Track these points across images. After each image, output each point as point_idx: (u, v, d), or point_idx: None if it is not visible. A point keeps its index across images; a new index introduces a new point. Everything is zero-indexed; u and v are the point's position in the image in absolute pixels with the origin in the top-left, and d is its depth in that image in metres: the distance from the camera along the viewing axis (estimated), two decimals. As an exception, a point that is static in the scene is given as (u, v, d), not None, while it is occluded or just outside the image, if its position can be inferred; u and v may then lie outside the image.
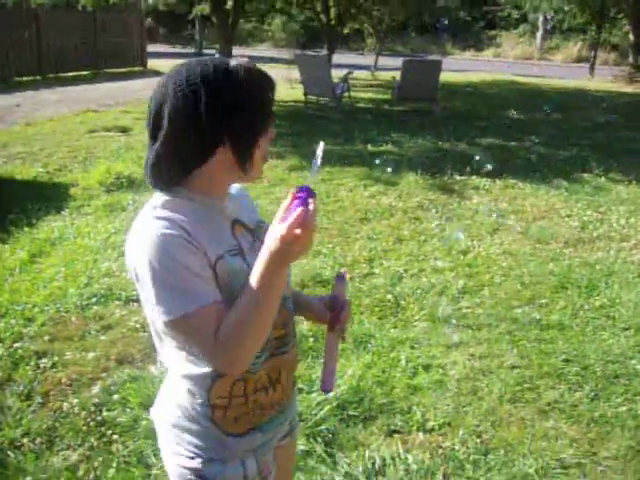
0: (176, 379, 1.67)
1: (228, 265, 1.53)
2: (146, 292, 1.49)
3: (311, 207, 1.37)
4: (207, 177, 1.56)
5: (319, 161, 1.46)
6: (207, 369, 1.58)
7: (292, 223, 1.35)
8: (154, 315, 1.51)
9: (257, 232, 1.69)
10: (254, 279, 1.44)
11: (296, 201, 1.38)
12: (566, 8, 25.69)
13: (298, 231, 1.35)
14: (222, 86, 1.49)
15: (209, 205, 1.58)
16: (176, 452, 1.69)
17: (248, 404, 1.65)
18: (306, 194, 1.38)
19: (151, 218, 1.52)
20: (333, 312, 1.78)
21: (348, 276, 1.78)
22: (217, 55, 14.26)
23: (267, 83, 1.57)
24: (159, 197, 1.57)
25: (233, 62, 1.54)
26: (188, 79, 1.48)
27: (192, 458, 1.66)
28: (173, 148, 1.50)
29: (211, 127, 1.48)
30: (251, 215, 1.75)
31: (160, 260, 1.45)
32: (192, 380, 1.62)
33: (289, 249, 1.38)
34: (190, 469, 1.66)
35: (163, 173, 1.54)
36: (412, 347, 4.20)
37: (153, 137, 1.53)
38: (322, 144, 1.49)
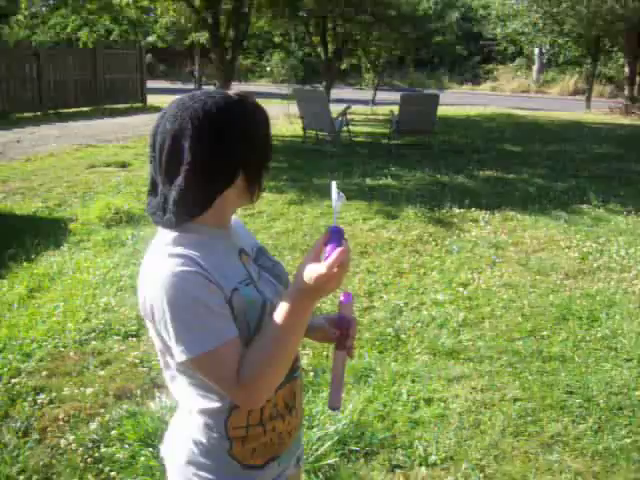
0: (190, 415, 1.64)
1: (244, 297, 1.53)
2: (163, 332, 1.48)
3: (344, 243, 1.42)
4: (221, 207, 1.56)
5: (339, 203, 1.49)
6: (222, 402, 1.57)
7: (332, 262, 1.38)
8: (171, 354, 1.50)
9: (259, 259, 1.70)
10: (281, 316, 1.45)
11: (331, 244, 1.42)
12: (561, 41, 25.96)
13: (335, 270, 1.38)
14: (236, 116, 1.52)
15: (218, 236, 1.59)
16: None
17: (266, 433, 1.64)
18: (339, 234, 1.43)
19: (165, 256, 1.50)
20: (341, 330, 1.76)
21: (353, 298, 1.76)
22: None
23: (264, 112, 1.61)
24: (168, 233, 1.55)
25: (234, 93, 1.57)
26: (204, 110, 1.49)
27: None
28: (198, 181, 1.49)
29: (231, 156, 1.50)
30: (250, 241, 1.76)
31: (178, 298, 1.44)
32: (208, 414, 1.60)
33: (324, 287, 1.40)
34: None
35: (187, 207, 1.51)
36: (413, 381, 4.17)
37: (170, 173, 1.50)
38: (334, 184, 1.51)
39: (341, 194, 1.50)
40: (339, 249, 1.39)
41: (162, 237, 1.56)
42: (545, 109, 22.54)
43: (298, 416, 1.76)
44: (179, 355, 1.46)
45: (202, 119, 1.48)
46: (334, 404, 1.81)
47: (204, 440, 1.62)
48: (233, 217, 1.72)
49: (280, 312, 1.45)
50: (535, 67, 34.67)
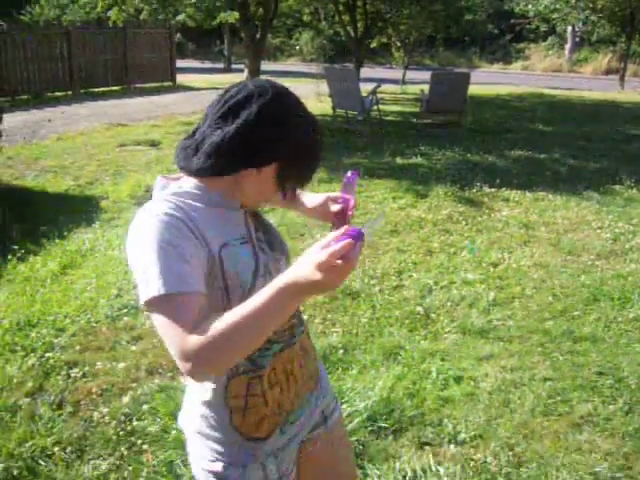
0: (194, 388, 1.69)
1: (236, 253, 1.53)
2: (134, 273, 1.45)
3: (358, 247, 1.30)
4: (240, 184, 1.57)
5: (377, 225, 1.43)
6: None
7: (335, 252, 1.26)
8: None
9: (267, 233, 1.71)
10: (263, 298, 1.34)
11: (346, 236, 1.30)
12: (594, 19, 25.48)
13: (339, 262, 1.27)
14: (296, 118, 1.54)
15: (225, 204, 1.59)
16: (200, 456, 1.71)
17: (267, 404, 1.64)
18: (358, 234, 1.31)
19: (162, 199, 1.52)
20: (341, 209, 1.73)
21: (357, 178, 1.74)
22: (246, 71, 14.38)
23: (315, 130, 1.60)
24: (185, 181, 1.58)
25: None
26: (283, 94, 1.54)
27: (214, 461, 1.68)
28: (237, 142, 1.49)
29: (271, 142, 1.50)
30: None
31: (152, 239, 1.43)
32: (207, 387, 1.63)
33: (320, 279, 1.28)
34: (212, 472, 1.68)
35: (216, 157, 1.51)
36: (443, 359, 4.17)
37: (224, 118, 1.51)
38: (381, 216, 1.53)
39: (379, 219, 1.48)
40: (346, 240, 1.28)
41: (180, 182, 1.59)
42: (577, 88, 22.22)
43: (303, 379, 1.76)
44: (142, 296, 1.40)
45: (275, 98, 1.51)
46: None
47: (207, 413, 1.66)
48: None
49: (265, 291, 1.35)
50: (567, 46, 34.10)
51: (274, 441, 1.70)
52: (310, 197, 1.92)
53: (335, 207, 1.78)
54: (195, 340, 1.33)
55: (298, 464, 1.87)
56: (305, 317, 1.89)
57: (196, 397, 1.69)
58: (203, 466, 1.70)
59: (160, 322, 1.38)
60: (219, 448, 1.67)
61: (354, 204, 1.76)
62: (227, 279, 1.51)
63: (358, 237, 1.30)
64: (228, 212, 1.59)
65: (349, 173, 1.70)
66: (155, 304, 1.39)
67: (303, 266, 1.30)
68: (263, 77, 1.60)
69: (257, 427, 1.66)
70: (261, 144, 1.49)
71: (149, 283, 1.38)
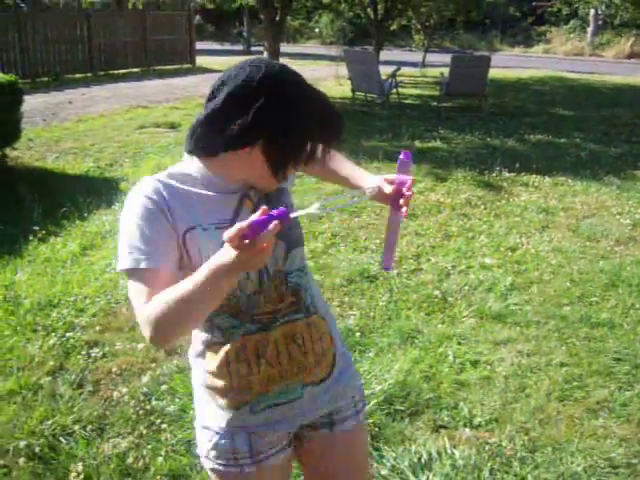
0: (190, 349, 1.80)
1: (201, 237, 1.54)
2: None
3: (271, 227, 1.28)
4: (229, 164, 1.56)
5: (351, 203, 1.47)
6: (206, 334, 1.69)
7: (238, 231, 1.27)
8: None
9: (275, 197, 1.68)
10: (199, 277, 1.39)
11: (267, 216, 1.30)
12: (617, 1, 25.14)
13: (246, 241, 1.28)
14: (283, 100, 1.48)
15: (216, 182, 1.60)
16: (198, 410, 1.82)
17: (231, 377, 1.68)
18: (279, 215, 1.30)
19: (153, 178, 1.60)
20: (397, 190, 1.69)
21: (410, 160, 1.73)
22: (265, 53, 14.34)
23: (330, 117, 1.56)
24: (189, 162, 1.63)
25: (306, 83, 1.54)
26: (259, 74, 1.49)
27: (198, 419, 1.80)
28: (212, 123, 1.51)
29: (252, 125, 1.46)
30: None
31: (125, 215, 1.55)
32: (195, 348, 1.75)
33: (234, 259, 1.31)
34: (198, 426, 1.81)
35: (196, 139, 1.56)
36: (459, 343, 4.18)
37: (207, 101, 1.55)
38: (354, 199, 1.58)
39: (354, 200, 1.50)
40: (251, 221, 1.28)
41: (172, 167, 1.65)
42: (599, 72, 21.98)
43: (284, 367, 1.70)
44: (117, 266, 1.54)
45: (251, 81, 1.48)
46: (387, 264, 1.79)
47: (195, 373, 1.79)
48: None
49: (194, 277, 1.40)
50: (590, 29, 33.68)
51: (243, 418, 1.71)
52: (368, 179, 1.85)
53: (389, 189, 1.73)
54: (146, 312, 1.47)
55: (300, 457, 1.91)
56: (322, 305, 1.83)
57: (191, 355, 1.79)
58: (197, 421, 1.82)
59: (129, 292, 1.54)
60: (200, 406, 1.79)
61: (410, 184, 1.70)
62: (195, 264, 1.52)
63: (270, 219, 1.29)
64: (221, 195, 1.59)
65: (402, 154, 1.69)
66: (126, 276, 1.54)
67: (225, 246, 1.34)
68: (282, 60, 1.58)
69: (222, 395, 1.71)
70: (229, 128, 1.47)
71: (120, 256, 1.52)
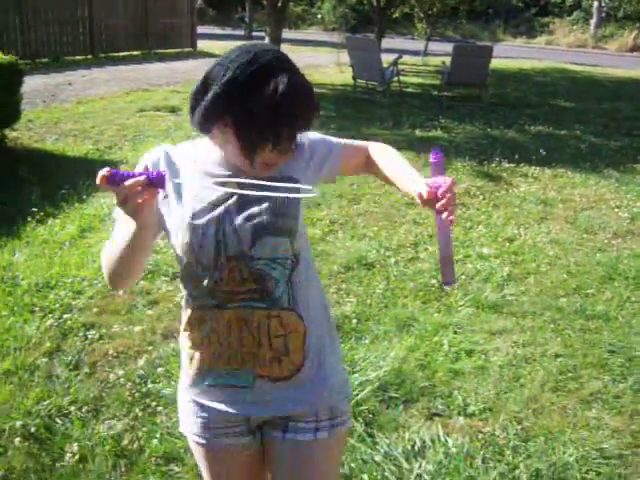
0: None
1: (173, 211, 1.66)
2: None
3: (128, 182, 1.38)
4: (216, 144, 1.64)
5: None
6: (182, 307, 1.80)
7: (108, 169, 1.38)
8: None
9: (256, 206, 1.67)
10: (119, 226, 1.61)
11: (140, 172, 1.40)
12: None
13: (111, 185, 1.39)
14: (245, 81, 1.48)
15: (217, 166, 1.67)
16: None
17: (192, 343, 1.76)
18: (153, 177, 1.38)
19: (161, 145, 1.77)
20: (433, 193, 1.53)
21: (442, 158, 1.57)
22: (267, 39, 14.28)
23: (297, 103, 1.50)
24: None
25: (283, 72, 1.50)
26: (231, 56, 1.52)
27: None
28: (194, 99, 1.59)
29: (216, 104, 1.52)
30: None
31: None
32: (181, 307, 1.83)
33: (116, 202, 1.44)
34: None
35: (192, 117, 1.62)
36: (455, 332, 4.20)
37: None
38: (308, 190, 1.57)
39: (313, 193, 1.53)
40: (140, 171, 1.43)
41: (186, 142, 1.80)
42: (602, 65, 21.93)
43: (233, 350, 1.70)
44: None
45: (224, 61, 1.53)
46: (447, 279, 1.60)
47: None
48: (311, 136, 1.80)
49: (119, 226, 1.61)
50: (593, 21, 33.58)
51: (197, 387, 1.78)
52: (413, 186, 1.64)
53: (425, 192, 1.55)
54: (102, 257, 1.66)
55: (266, 457, 1.86)
56: (319, 291, 1.81)
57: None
58: None
59: None
60: (181, 379, 1.87)
61: (447, 187, 1.52)
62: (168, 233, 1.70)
63: (139, 175, 1.37)
64: (213, 173, 1.66)
65: (432, 155, 1.54)
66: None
67: None
68: (283, 46, 1.58)
69: (190, 361, 1.77)
70: (202, 107, 1.55)
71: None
